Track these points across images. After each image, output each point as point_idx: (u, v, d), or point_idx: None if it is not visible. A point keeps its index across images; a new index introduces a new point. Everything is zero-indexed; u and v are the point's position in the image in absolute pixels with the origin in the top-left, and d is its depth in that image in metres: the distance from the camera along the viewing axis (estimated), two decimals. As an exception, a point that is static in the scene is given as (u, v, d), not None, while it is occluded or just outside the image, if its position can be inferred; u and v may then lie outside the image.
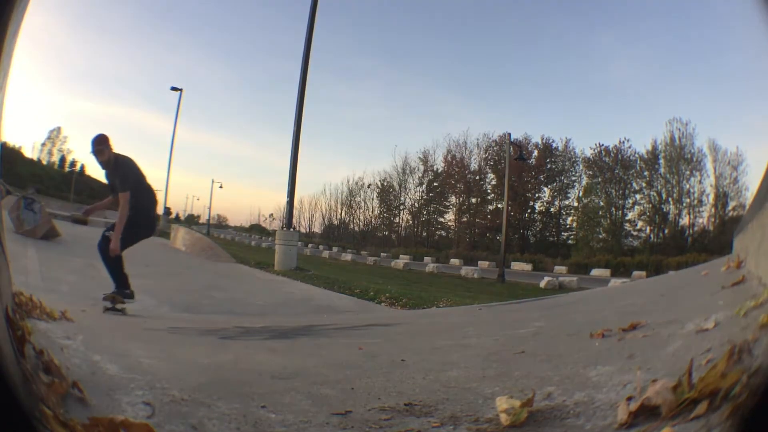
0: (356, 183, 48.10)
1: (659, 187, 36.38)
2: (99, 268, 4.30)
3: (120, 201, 4.26)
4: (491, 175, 42.03)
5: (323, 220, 50.12)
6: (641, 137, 56.77)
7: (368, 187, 47.23)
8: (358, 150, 65.25)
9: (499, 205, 38.77)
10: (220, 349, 2.33)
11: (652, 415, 0.89)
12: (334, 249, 34.58)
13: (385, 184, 46.56)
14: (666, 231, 35.58)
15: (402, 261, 23.25)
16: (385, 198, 46.77)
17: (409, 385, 1.42)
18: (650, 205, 36.37)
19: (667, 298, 2.58)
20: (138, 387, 1.28)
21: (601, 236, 37.16)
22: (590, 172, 39.21)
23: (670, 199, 35.67)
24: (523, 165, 32.74)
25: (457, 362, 1.69)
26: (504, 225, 20.66)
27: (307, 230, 48.97)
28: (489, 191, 42.36)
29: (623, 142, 37.61)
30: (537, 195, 40.97)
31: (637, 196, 37.17)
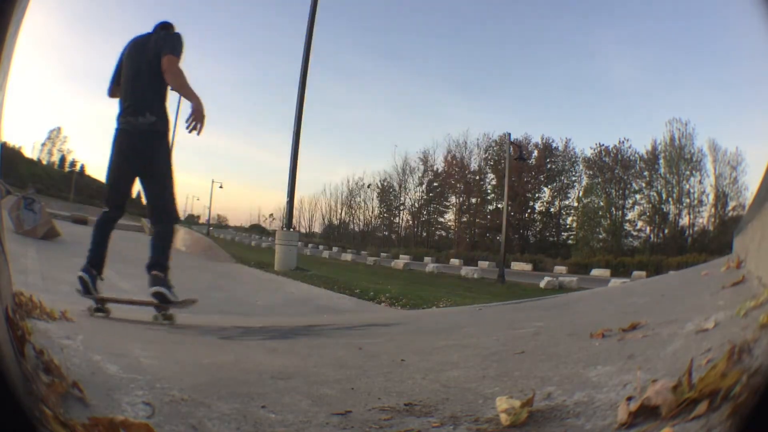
0: (356, 183, 48.11)
1: (659, 187, 36.41)
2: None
3: None
4: (491, 175, 42.03)
5: (323, 220, 50.14)
6: (641, 137, 56.74)
7: (368, 187, 47.24)
8: (358, 150, 65.24)
9: (499, 205, 38.77)
10: (220, 349, 2.33)
11: (652, 415, 0.89)
12: (334, 249, 34.57)
13: (385, 184, 46.58)
14: (666, 231, 35.59)
15: (402, 261, 23.23)
16: (385, 198, 46.78)
17: (409, 385, 1.42)
18: (650, 205, 36.39)
19: (667, 298, 2.58)
20: (138, 387, 1.28)
21: (601, 236, 37.17)
22: (590, 172, 39.23)
23: (670, 199, 35.69)
24: (523, 165, 32.73)
25: (457, 362, 1.69)
26: (504, 225, 20.65)
27: (307, 230, 48.97)
28: (489, 191, 42.36)
29: (623, 142, 37.63)
30: (537, 195, 41.00)
31: (637, 196, 37.20)
